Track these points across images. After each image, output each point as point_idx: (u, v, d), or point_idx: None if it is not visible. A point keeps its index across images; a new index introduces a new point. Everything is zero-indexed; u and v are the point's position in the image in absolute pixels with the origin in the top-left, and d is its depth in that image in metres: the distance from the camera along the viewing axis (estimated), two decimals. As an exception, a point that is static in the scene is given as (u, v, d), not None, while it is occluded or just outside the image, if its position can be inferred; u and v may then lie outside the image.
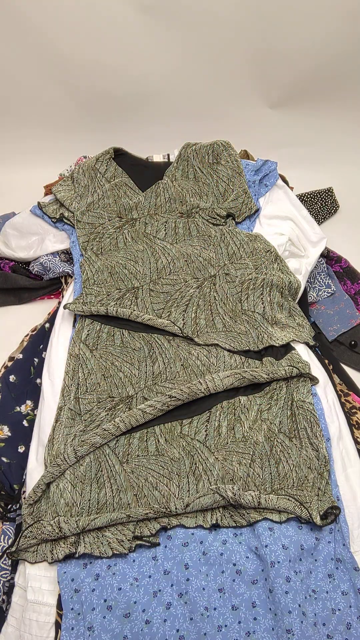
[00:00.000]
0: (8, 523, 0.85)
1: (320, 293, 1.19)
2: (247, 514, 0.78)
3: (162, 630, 0.70)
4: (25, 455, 0.92)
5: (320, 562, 0.75)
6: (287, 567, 0.72)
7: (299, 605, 0.69)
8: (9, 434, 0.96)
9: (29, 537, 0.78)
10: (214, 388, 0.88)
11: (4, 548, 0.82)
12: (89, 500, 0.81)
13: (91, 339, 0.99)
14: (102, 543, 0.77)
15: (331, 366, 1.07)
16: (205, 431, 0.86)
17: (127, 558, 0.76)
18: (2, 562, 0.81)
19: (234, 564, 0.74)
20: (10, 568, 0.80)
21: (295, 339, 0.98)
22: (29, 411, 1.00)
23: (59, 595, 0.74)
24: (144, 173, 1.23)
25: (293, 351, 0.96)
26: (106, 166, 1.22)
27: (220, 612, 0.71)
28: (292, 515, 0.78)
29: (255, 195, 1.18)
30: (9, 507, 0.87)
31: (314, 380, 0.93)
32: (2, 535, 0.83)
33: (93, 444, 0.84)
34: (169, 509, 0.78)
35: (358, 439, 0.93)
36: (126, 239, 1.13)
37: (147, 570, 0.75)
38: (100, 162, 1.22)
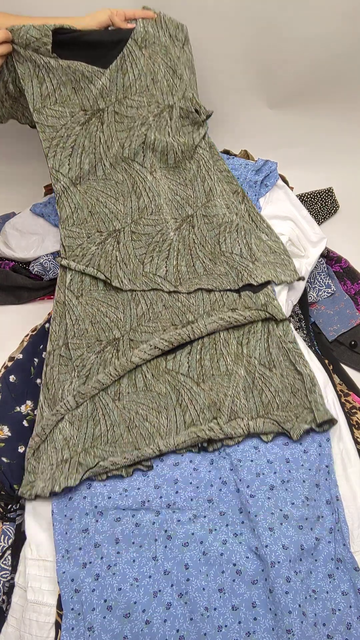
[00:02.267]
0: (8, 523, 0.85)
1: (320, 293, 1.19)
2: (236, 435, 0.85)
3: (162, 630, 0.70)
4: (25, 455, 0.92)
5: (321, 562, 0.75)
6: (287, 567, 0.72)
7: (299, 606, 0.69)
8: (9, 434, 0.96)
9: (31, 472, 0.85)
10: (199, 334, 0.93)
11: (4, 548, 0.82)
12: (85, 434, 0.88)
13: (75, 284, 1.01)
14: (98, 471, 0.83)
15: (331, 366, 1.07)
16: (188, 363, 0.92)
17: (127, 558, 0.76)
18: (2, 562, 0.81)
19: (234, 564, 0.74)
20: (10, 568, 0.81)
21: (273, 280, 1.00)
22: (29, 411, 1.00)
23: (59, 595, 0.74)
24: (101, 48, 1.03)
25: (269, 285, 0.98)
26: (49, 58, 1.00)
27: (220, 612, 0.71)
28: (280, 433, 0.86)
29: (255, 195, 1.18)
30: (9, 507, 0.87)
31: (289, 320, 0.97)
32: (2, 535, 0.83)
33: (90, 394, 0.90)
34: (159, 450, 0.84)
35: (358, 439, 0.93)
36: (104, 165, 1.05)
37: (147, 570, 0.75)
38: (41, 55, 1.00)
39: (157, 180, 1.06)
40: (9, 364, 1.05)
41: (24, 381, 1.03)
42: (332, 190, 1.41)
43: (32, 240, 1.21)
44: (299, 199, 1.32)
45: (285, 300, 1.04)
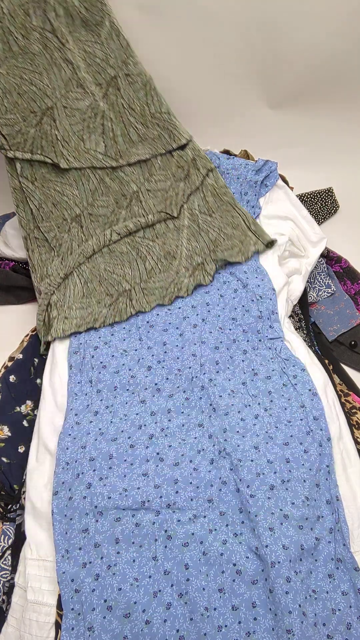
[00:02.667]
0: (8, 523, 0.85)
1: (320, 293, 1.19)
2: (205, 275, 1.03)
3: (162, 630, 0.70)
4: (25, 455, 0.92)
5: (321, 562, 0.75)
6: (288, 567, 0.72)
7: (299, 606, 0.69)
8: (9, 434, 0.96)
9: (44, 335, 1.02)
10: (154, 222, 1.07)
11: (4, 548, 0.82)
12: (67, 295, 1.04)
13: (26, 170, 1.06)
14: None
15: (331, 366, 1.07)
16: (142, 228, 1.07)
17: (127, 558, 0.76)
18: (2, 562, 0.81)
19: (234, 564, 0.74)
20: (10, 568, 0.81)
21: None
22: (29, 411, 1.00)
23: (59, 595, 0.74)
24: None
25: (193, 140, 1.09)
26: None
27: (220, 612, 0.71)
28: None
29: (255, 195, 1.18)
30: (9, 507, 0.87)
31: (216, 169, 1.10)
32: (2, 535, 0.83)
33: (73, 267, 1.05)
34: (132, 294, 1.02)
35: (358, 439, 0.93)
36: (16, 38, 1.02)
37: (147, 570, 0.75)
38: None
39: (72, 51, 1.05)
40: (9, 364, 1.05)
41: (24, 381, 1.03)
42: (332, 190, 1.41)
43: (32, 240, 1.21)
44: (299, 199, 1.32)
45: (285, 299, 1.04)
